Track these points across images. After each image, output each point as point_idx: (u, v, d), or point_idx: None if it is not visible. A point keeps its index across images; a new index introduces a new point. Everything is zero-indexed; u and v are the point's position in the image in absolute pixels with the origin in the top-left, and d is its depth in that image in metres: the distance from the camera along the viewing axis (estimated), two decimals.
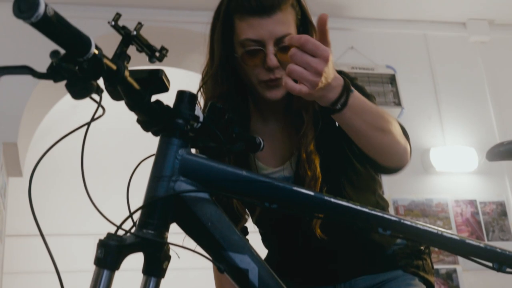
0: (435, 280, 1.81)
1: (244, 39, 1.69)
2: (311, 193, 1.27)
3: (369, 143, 1.54)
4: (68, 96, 1.14)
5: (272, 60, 1.67)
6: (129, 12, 4.91)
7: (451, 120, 5.20)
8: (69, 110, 6.09)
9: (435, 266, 4.40)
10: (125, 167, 1.40)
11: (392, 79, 4.98)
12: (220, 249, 1.25)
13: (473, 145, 5.01)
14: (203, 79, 1.88)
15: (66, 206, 6.66)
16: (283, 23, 1.69)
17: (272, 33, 1.67)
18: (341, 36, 5.16)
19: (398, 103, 5.00)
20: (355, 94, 1.46)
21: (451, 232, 1.30)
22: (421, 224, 1.29)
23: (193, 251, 1.26)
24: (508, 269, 1.30)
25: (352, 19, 5.26)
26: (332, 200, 1.27)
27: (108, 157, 6.97)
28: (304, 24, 1.77)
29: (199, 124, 1.33)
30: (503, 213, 4.88)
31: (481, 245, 1.30)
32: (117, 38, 1.18)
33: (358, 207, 1.28)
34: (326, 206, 1.28)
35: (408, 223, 1.28)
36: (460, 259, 4.47)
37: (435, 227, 1.29)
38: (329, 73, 1.36)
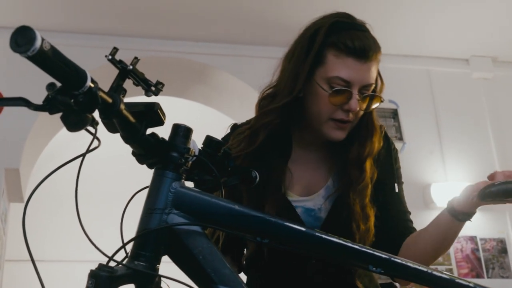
0: None
1: (334, 76, 1.72)
2: (303, 228, 1.28)
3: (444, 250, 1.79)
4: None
5: (355, 104, 1.71)
6: (133, 42, 4.97)
7: (453, 156, 5.21)
8: (73, 136, 6.10)
9: None
10: (125, 195, 1.41)
11: (394, 114, 5.01)
12: (211, 283, 1.25)
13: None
14: (264, 95, 1.95)
15: (67, 232, 6.66)
16: (373, 72, 1.73)
17: (363, 79, 1.71)
18: None
19: (400, 138, 5.02)
20: None
21: (441, 271, 1.30)
22: (411, 262, 1.29)
23: (184, 284, 1.26)
24: None
25: None
26: (324, 236, 1.28)
27: (109, 185, 6.99)
28: (378, 77, 1.81)
29: (194, 158, 1.35)
30: (504, 250, 4.87)
31: (471, 284, 1.30)
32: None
33: (349, 244, 1.28)
34: (318, 242, 1.28)
35: (399, 260, 1.28)
36: None
37: (426, 267, 1.30)
38: None
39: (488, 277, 4.74)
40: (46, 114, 3.61)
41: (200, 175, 1.41)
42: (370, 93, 1.73)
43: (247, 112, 5.36)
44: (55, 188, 5.19)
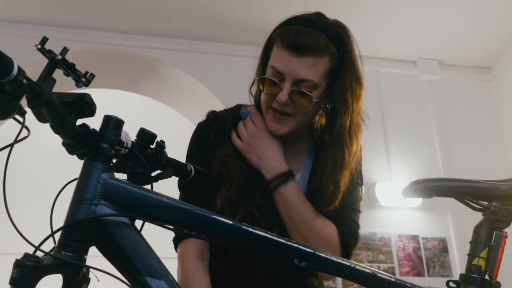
0: None
1: (270, 66, 1.77)
2: (230, 221, 1.29)
3: (287, 229, 1.79)
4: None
5: (283, 95, 1.75)
6: (84, 34, 4.92)
7: (398, 156, 5.28)
8: (15, 129, 6.02)
9: None
10: (57, 188, 1.41)
11: None
12: (137, 274, 1.26)
13: None
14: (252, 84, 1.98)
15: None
16: (310, 68, 1.74)
17: (294, 73, 1.74)
18: None
19: None
20: (290, 188, 1.79)
21: (364, 265, 1.33)
22: (335, 257, 1.32)
23: (111, 274, 1.26)
24: None
25: None
26: (250, 229, 1.30)
27: (41, 178, 6.91)
28: (335, 76, 1.78)
29: (126, 150, 1.35)
30: (444, 250, 4.96)
31: (392, 279, 1.33)
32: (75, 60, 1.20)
33: (275, 238, 1.30)
34: (244, 235, 1.30)
35: (323, 255, 1.31)
36: None
37: (349, 261, 1.33)
38: (261, 152, 1.82)
39: (429, 276, 4.82)
40: None
41: (133, 167, 1.41)
42: (298, 89, 1.74)
43: (196, 107, 5.37)
44: None
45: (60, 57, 1.21)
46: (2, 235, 6.95)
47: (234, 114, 1.99)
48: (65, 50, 1.21)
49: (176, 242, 1.84)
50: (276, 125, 1.82)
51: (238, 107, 2.05)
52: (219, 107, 5.02)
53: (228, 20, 5.01)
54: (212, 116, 2.00)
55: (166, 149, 1.51)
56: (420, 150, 5.34)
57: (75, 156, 1.33)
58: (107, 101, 5.64)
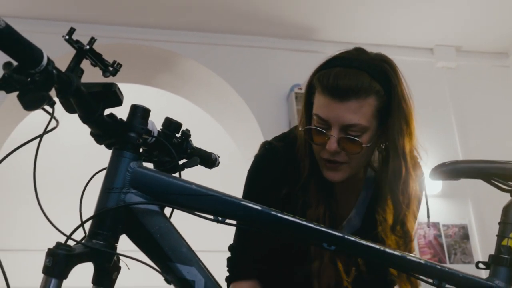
0: None
1: (315, 114, 1.68)
2: (259, 207, 1.30)
3: None
4: (40, 110, 1.16)
5: (332, 144, 1.65)
6: (100, 29, 4.93)
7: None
8: (38, 123, 6.06)
9: None
10: (84, 183, 1.42)
11: None
12: (168, 261, 1.27)
13: None
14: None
15: (35, 222, 6.63)
16: (355, 112, 1.63)
17: (339, 119, 1.64)
18: (310, 58, 5.14)
19: None
20: None
21: (393, 249, 1.33)
22: (364, 241, 1.32)
23: (142, 262, 1.28)
24: (447, 285, 1.34)
25: (322, 42, 5.32)
26: (279, 215, 1.31)
27: (69, 174, 6.96)
28: (385, 114, 1.69)
29: (153, 139, 1.36)
30: (465, 236, 4.94)
31: (422, 261, 1.34)
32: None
33: (304, 222, 1.31)
34: (273, 220, 1.31)
35: (352, 238, 1.31)
36: (422, 283, 4.50)
37: (378, 244, 1.33)
38: None
39: (450, 263, 4.81)
40: (10, 101, 3.60)
41: (159, 156, 1.43)
42: (347, 135, 1.65)
43: (213, 100, 5.38)
44: (23, 177, 5.17)
45: (88, 47, 1.22)
46: (42, 232, 7.06)
47: (293, 146, 1.84)
48: (92, 40, 1.22)
49: (229, 281, 1.79)
50: (330, 173, 1.72)
51: (294, 136, 1.88)
52: (237, 100, 5.03)
53: (244, 11, 5.01)
54: (272, 150, 1.86)
55: None
56: (438, 137, 5.31)
57: (100, 154, 1.34)
58: (125, 95, 5.68)
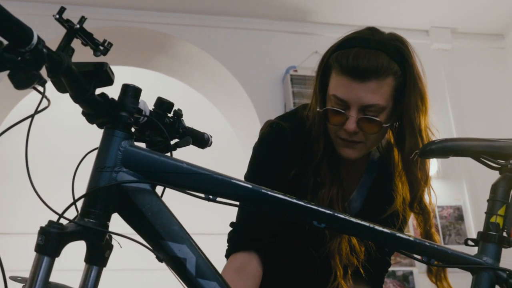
0: (392, 282, 1.88)
1: (332, 95, 1.69)
2: (249, 185, 1.31)
3: None
4: (34, 93, 1.17)
5: (351, 125, 1.67)
6: (95, 11, 4.92)
7: None
8: (33, 107, 6.06)
9: (392, 268, 4.47)
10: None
11: None
12: (159, 239, 1.28)
13: None
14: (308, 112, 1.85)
15: (34, 205, 6.64)
16: (374, 92, 1.65)
17: (359, 99, 1.65)
18: (305, 40, 5.21)
19: None
20: None
21: (383, 226, 1.34)
22: (354, 218, 1.33)
23: (134, 240, 1.29)
24: (436, 262, 1.35)
25: (317, 24, 5.31)
26: (269, 192, 1.32)
27: (66, 156, 6.97)
28: (401, 94, 1.72)
29: (145, 118, 1.37)
30: (460, 218, 4.97)
31: (411, 238, 1.35)
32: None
33: (294, 200, 1.32)
34: (264, 198, 1.32)
35: (342, 216, 1.32)
36: (417, 262, 4.53)
37: (368, 222, 1.34)
38: None
39: (445, 243, 4.83)
40: (3, 86, 3.59)
41: (151, 136, 1.43)
42: (366, 116, 1.67)
43: (209, 82, 5.38)
44: (21, 161, 5.18)
45: (78, 26, 1.22)
46: (41, 215, 7.07)
47: (298, 127, 1.84)
48: (82, 20, 1.23)
49: (227, 254, 1.77)
50: (347, 150, 1.74)
51: (301, 117, 1.87)
52: (232, 82, 5.02)
53: None
54: (279, 130, 1.84)
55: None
56: (433, 119, 5.31)
57: (97, 136, 1.35)
58: (121, 78, 5.67)
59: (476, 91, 5.47)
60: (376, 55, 1.64)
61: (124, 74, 5.59)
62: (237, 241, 1.76)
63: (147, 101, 1.41)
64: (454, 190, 5.07)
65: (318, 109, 1.74)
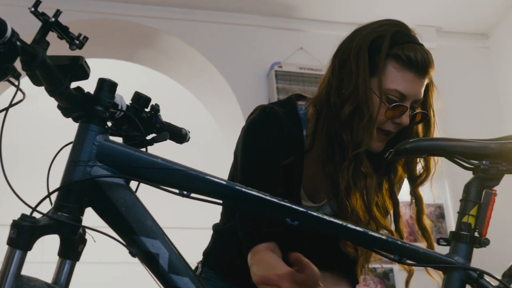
0: (372, 278, 1.89)
1: (392, 89, 1.68)
2: (223, 182, 1.31)
3: None
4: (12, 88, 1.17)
5: (407, 119, 1.70)
6: (79, 3, 4.89)
7: None
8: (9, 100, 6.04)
9: (373, 265, 4.48)
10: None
11: None
12: (132, 234, 1.28)
13: None
14: (321, 95, 1.79)
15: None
16: (423, 88, 1.73)
17: (417, 94, 1.70)
18: (291, 36, 5.21)
19: None
20: None
21: (356, 225, 1.35)
22: (327, 216, 1.34)
23: (107, 235, 1.29)
24: (408, 261, 1.36)
25: (303, 20, 5.31)
26: (243, 189, 1.32)
27: (44, 149, 6.95)
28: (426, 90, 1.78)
29: (121, 113, 1.37)
30: (441, 216, 4.99)
31: (383, 237, 1.36)
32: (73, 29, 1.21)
33: (268, 197, 1.32)
34: (237, 195, 1.32)
35: (315, 214, 1.33)
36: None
37: (341, 220, 1.35)
38: None
39: None
40: None
41: (128, 130, 1.43)
42: (422, 110, 1.74)
43: (195, 77, 5.37)
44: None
45: (53, 19, 1.22)
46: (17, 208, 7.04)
47: (292, 114, 1.83)
48: (58, 13, 1.22)
49: (248, 248, 1.67)
50: (379, 144, 1.73)
51: (293, 105, 1.86)
52: (217, 77, 5.01)
53: None
54: (272, 114, 1.80)
55: (166, 119, 1.52)
56: None
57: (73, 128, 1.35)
58: (107, 71, 5.65)
59: (460, 90, 5.49)
60: (427, 51, 1.71)
61: (109, 67, 5.61)
62: (254, 234, 1.68)
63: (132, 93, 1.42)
64: (435, 188, 5.04)
65: (384, 104, 1.69)
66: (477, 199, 1.40)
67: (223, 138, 5.53)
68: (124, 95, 1.38)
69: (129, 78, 5.87)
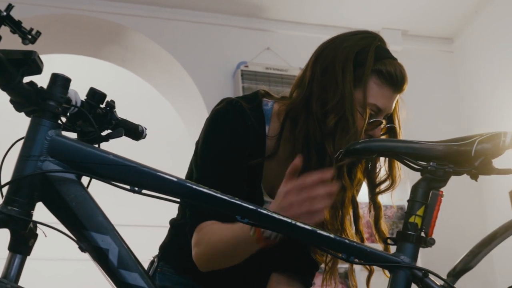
0: (334, 279, 1.90)
1: (371, 103, 1.74)
2: (174, 178, 1.32)
3: None
4: None
5: (379, 133, 1.78)
6: None
7: None
8: None
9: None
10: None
11: None
12: (83, 229, 1.29)
13: None
14: (299, 99, 1.81)
15: None
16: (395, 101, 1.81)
17: (390, 109, 1.80)
18: (258, 36, 5.22)
19: None
20: None
21: (305, 223, 1.37)
22: (276, 214, 1.35)
23: (57, 230, 1.29)
24: (355, 260, 1.38)
25: (270, 21, 5.32)
26: (194, 186, 1.33)
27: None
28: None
29: (75, 109, 1.37)
30: (403, 217, 5.03)
31: (331, 236, 1.38)
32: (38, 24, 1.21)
33: (218, 195, 1.33)
34: (188, 192, 1.34)
35: (265, 212, 1.34)
36: None
37: (290, 218, 1.36)
38: None
39: None
40: None
41: (83, 126, 1.44)
42: (389, 124, 1.83)
43: (162, 75, 5.36)
44: None
45: (5, 13, 1.22)
46: None
47: (256, 110, 1.83)
48: (10, 7, 1.23)
49: (192, 227, 1.70)
50: None
51: (259, 101, 1.87)
52: (184, 76, 5.00)
53: None
54: (238, 108, 1.80)
55: (133, 117, 1.53)
56: None
57: None
58: (72, 67, 5.62)
59: (424, 93, 5.54)
60: (403, 69, 1.80)
61: (76, 63, 5.58)
62: (200, 213, 1.69)
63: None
64: (397, 190, 5.09)
65: (364, 120, 1.73)
66: (424, 200, 1.43)
67: (189, 137, 5.53)
68: None
69: (96, 75, 5.87)
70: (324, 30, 5.38)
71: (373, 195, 1.86)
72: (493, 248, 1.51)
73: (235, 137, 1.75)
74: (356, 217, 1.87)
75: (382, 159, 1.82)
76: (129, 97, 6.13)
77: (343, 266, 4.65)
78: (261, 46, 5.12)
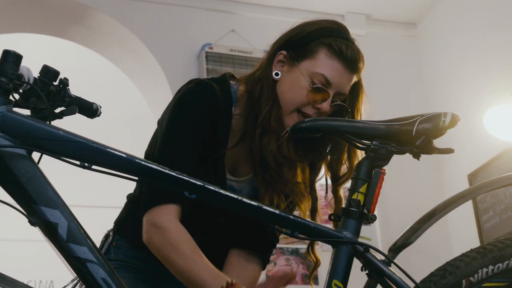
0: (295, 259, 1.96)
1: (319, 73, 1.79)
2: (124, 155, 1.35)
3: None
4: None
5: (328, 105, 1.78)
6: None
7: None
8: None
9: (296, 246, 4.57)
10: None
11: None
12: (32, 203, 1.31)
13: None
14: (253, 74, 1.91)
15: None
16: (350, 84, 1.84)
17: (342, 85, 1.81)
18: (223, 18, 5.22)
19: None
20: None
21: (250, 199, 1.41)
22: (223, 190, 1.39)
23: (7, 203, 1.32)
24: (299, 235, 1.43)
25: (236, 3, 5.33)
26: (143, 163, 1.36)
27: None
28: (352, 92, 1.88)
29: (28, 86, 1.39)
30: None
31: (277, 211, 1.42)
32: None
33: (167, 171, 1.36)
34: (138, 168, 1.37)
35: (212, 188, 1.38)
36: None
37: (237, 194, 1.40)
38: None
39: None
40: None
41: (36, 103, 1.45)
42: (342, 103, 1.83)
43: (127, 57, 5.34)
44: None
45: None
46: None
47: (225, 92, 1.87)
48: None
49: (147, 208, 1.72)
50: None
51: (227, 83, 1.91)
52: (148, 57, 4.99)
53: None
54: (209, 89, 1.84)
55: (97, 97, 1.54)
56: None
57: None
58: (36, 45, 5.58)
59: (388, 77, 5.59)
60: (361, 55, 1.85)
61: (41, 42, 5.54)
62: (156, 193, 1.72)
63: (64, 72, 1.44)
64: None
65: (307, 83, 1.79)
66: (367, 177, 1.47)
67: (153, 117, 5.53)
68: None
69: (61, 54, 5.83)
70: (289, 13, 5.41)
71: (335, 187, 1.88)
72: (432, 224, 1.58)
73: (204, 116, 1.79)
74: (314, 210, 1.92)
75: (345, 155, 1.87)
76: (94, 78, 6.12)
77: (303, 246, 4.71)
78: (226, 28, 5.12)
